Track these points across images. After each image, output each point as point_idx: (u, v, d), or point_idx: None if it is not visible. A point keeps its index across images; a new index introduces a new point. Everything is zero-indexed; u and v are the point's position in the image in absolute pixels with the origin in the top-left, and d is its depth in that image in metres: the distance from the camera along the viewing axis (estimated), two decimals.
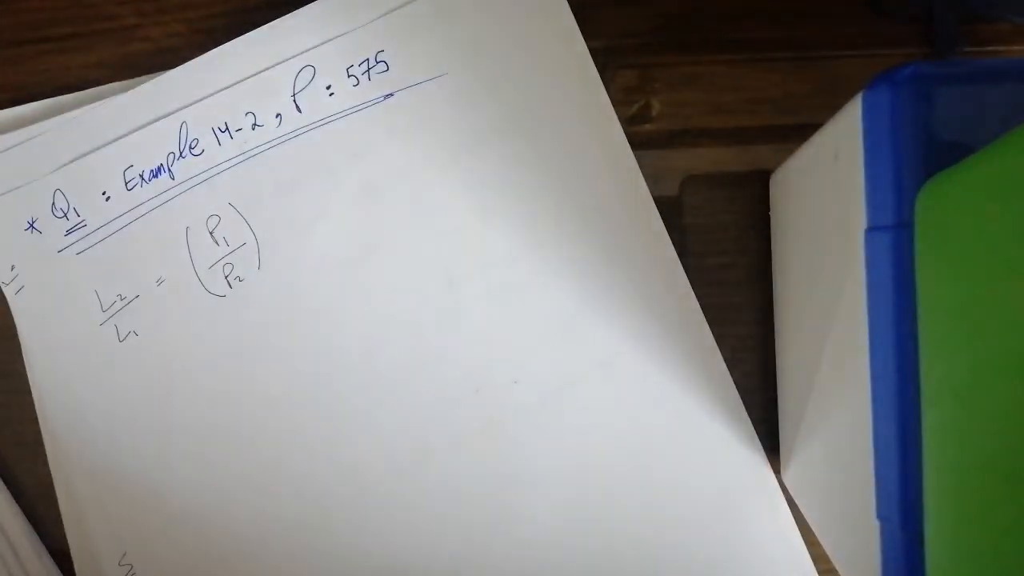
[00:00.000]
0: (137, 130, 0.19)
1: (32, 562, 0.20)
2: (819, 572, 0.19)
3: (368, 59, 0.19)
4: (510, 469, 0.19)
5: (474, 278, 0.19)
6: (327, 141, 0.19)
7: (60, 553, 0.21)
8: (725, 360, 0.19)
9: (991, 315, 0.09)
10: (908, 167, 0.11)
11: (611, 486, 0.19)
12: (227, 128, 0.19)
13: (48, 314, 0.20)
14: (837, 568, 0.15)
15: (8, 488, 0.21)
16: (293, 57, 0.19)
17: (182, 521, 0.20)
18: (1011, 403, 0.09)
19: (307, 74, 0.19)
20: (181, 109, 0.19)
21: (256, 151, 0.20)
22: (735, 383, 0.19)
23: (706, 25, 0.20)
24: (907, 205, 0.11)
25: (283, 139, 0.20)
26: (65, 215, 0.20)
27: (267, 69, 0.19)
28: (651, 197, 0.19)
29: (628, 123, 0.20)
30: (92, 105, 0.20)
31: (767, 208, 0.20)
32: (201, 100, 0.19)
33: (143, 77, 0.20)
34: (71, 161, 0.20)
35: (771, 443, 0.20)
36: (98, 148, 0.20)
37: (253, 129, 0.19)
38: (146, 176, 0.20)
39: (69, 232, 0.20)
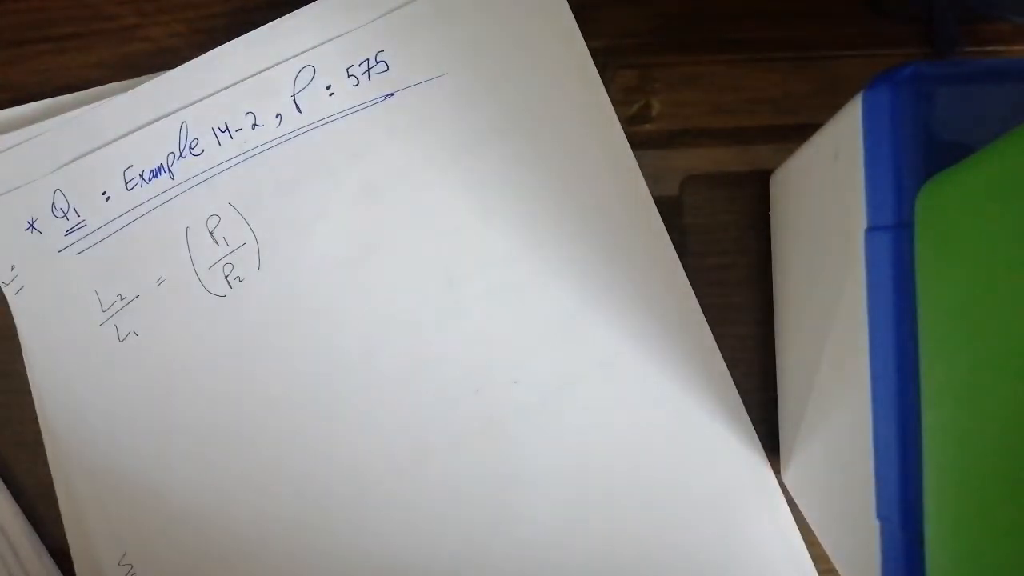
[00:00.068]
0: (137, 130, 0.19)
1: (32, 562, 0.20)
2: (819, 572, 0.19)
3: (368, 59, 0.19)
4: (510, 469, 0.19)
5: (474, 278, 0.19)
6: (327, 141, 0.19)
7: (60, 553, 0.21)
8: (725, 360, 0.19)
9: (991, 315, 0.09)
10: (908, 167, 0.11)
11: (611, 486, 0.19)
12: (227, 128, 0.19)
13: (48, 314, 0.20)
14: (837, 568, 0.15)
15: (8, 488, 0.21)
16: (293, 57, 0.19)
17: (182, 521, 0.20)
18: (1011, 403, 0.09)
19: (307, 74, 0.19)
20: (181, 109, 0.19)
21: (256, 151, 0.20)
22: (735, 383, 0.19)
23: (706, 25, 0.20)
24: (907, 205, 0.11)
25: (283, 139, 0.20)
26: (65, 215, 0.20)
27: (267, 69, 0.19)
28: (651, 197, 0.19)
29: (628, 123, 0.20)
30: (92, 105, 0.20)
31: (767, 208, 0.20)
32: (201, 100, 0.19)
33: (143, 77, 0.20)
34: (71, 161, 0.20)
35: (771, 443, 0.20)
36: (98, 148, 0.20)
37: (253, 129, 0.19)
38: (146, 176, 0.20)
39: (69, 232, 0.20)
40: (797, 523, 0.19)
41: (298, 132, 0.19)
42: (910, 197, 0.11)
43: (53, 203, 0.20)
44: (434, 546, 0.20)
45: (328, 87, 0.19)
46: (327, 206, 0.20)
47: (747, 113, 0.20)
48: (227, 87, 0.19)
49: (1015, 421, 0.09)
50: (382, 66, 0.19)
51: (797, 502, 0.18)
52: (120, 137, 0.20)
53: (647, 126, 0.20)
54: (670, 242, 0.19)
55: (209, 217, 0.20)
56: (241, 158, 0.20)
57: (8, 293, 0.20)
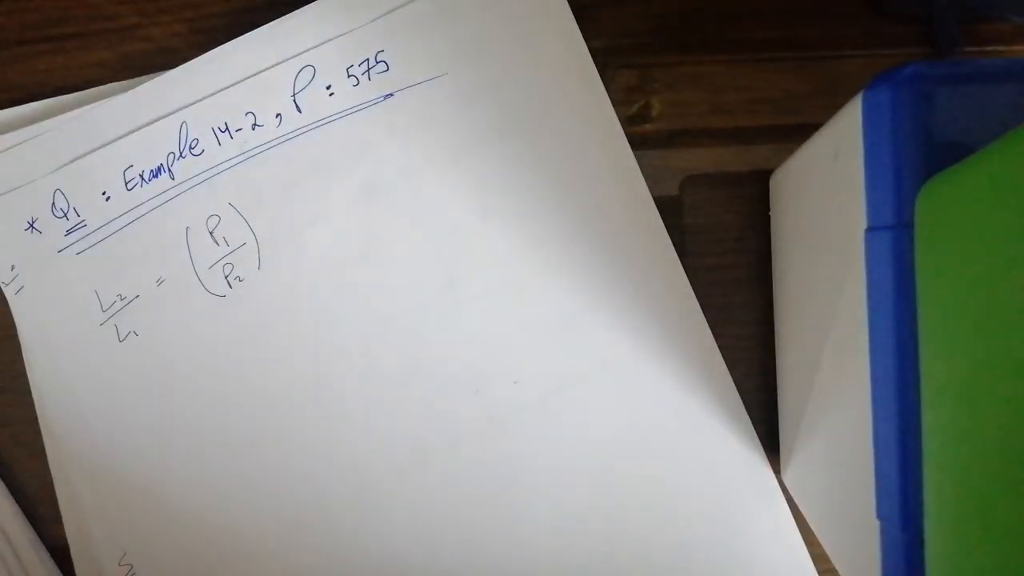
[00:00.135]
0: (137, 130, 0.19)
1: (32, 562, 0.20)
2: (819, 572, 0.19)
3: (368, 59, 0.19)
4: (510, 469, 0.19)
5: (474, 278, 0.19)
6: (327, 141, 0.19)
7: (60, 552, 0.21)
8: (725, 360, 0.19)
9: (991, 315, 0.09)
10: (908, 167, 0.11)
11: (611, 486, 0.19)
12: (227, 128, 0.19)
13: (48, 314, 0.20)
14: (837, 568, 0.15)
15: (8, 488, 0.21)
16: (293, 57, 0.19)
17: (182, 521, 0.20)
18: (1011, 403, 0.09)
19: (307, 74, 0.19)
20: (181, 109, 0.19)
21: (256, 151, 0.20)
22: (735, 383, 0.19)
23: (706, 25, 0.20)
24: (907, 205, 0.11)
25: (283, 139, 0.20)
26: (65, 215, 0.20)
27: (267, 69, 0.19)
28: (651, 197, 0.19)
29: (628, 123, 0.20)
30: (92, 105, 0.20)
31: (767, 208, 0.20)
32: (201, 100, 0.19)
33: (143, 77, 0.20)
34: (71, 161, 0.20)
35: (771, 443, 0.20)
36: (98, 148, 0.20)
37: (253, 129, 0.19)
38: (146, 176, 0.20)
39: (69, 232, 0.20)
40: (797, 523, 0.19)
41: (298, 132, 0.19)
42: (910, 197, 0.11)
43: (53, 203, 0.20)
44: (434, 546, 0.20)
45: (328, 87, 0.19)
46: (327, 206, 0.20)
47: (747, 113, 0.20)
48: (227, 87, 0.19)
49: (1015, 421, 0.09)
50: (382, 66, 0.19)
51: (797, 502, 0.18)
52: (120, 137, 0.20)
53: (647, 126, 0.20)
54: (670, 242, 0.19)
55: (209, 217, 0.20)
56: (241, 158, 0.20)
57: (8, 293, 0.20)
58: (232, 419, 0.20)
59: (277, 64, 0.19)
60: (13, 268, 0.20)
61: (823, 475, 0.16)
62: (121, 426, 0.20)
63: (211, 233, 0.20)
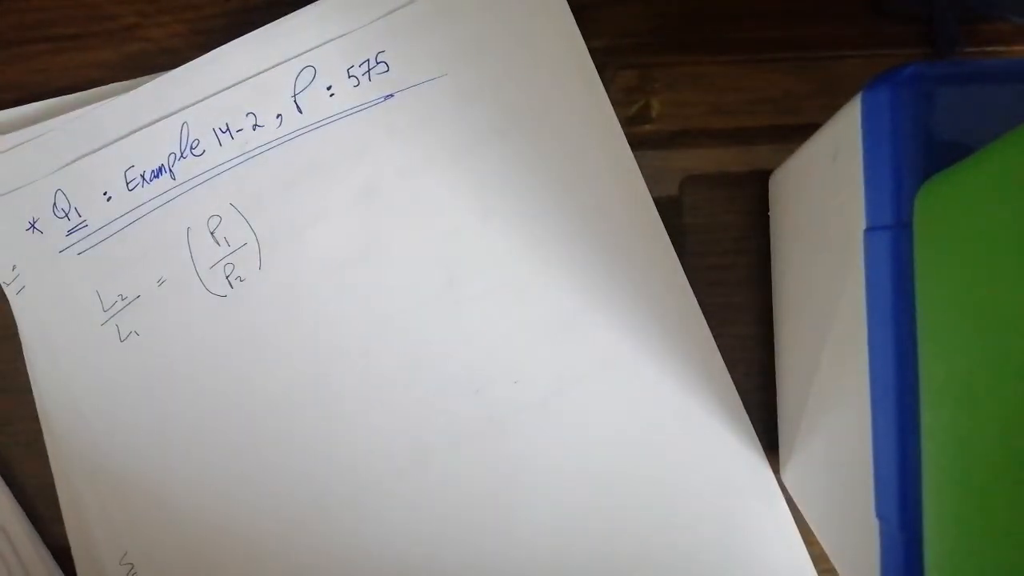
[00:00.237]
0: (138, 130, 0.20)
1: (33, 561, 0.20)
2: (818, 572, 0.19)
3: (369, 59, 0.19)
4: (510, 469, 0.19)
5: (474, 278, 0.19)
6: (328, 142, 0.19)
7: (61, 552, 0.21)
8: (724, 360, 0.19)
9: (990, 315, 0.09)
10: (907, 167, 0.11)
11: (610, 486, 0.19)
12: (228, 128, 0.19)
13: (49, 314, 0.20)
14: (836, 567, 0.15)
15: (9, 487, 0.21)
16: (294, 58, 0.19)
17: (183, 521, 0.20)
18: (1010, 403, 0.09)
19: (308, 75, 0.19)
20: (182, 109, 0.19)
21: (257, 151, 0.20)
22: (734, 383, 0.19)
23: (706, 25, 0.20)
24: (906, 205, 0.11)
25: (284, 139, 0.20)
26: (66, 215, 0.20)
27: (268, 70, 0.19)
28: (651, 197, 0.19)
29: (628, 123, 0.20)
30: (93, 105, 0.20)
31: (767, 208, 0.20)
32: (202, 100, 0.19)
33: (144, 77, 0.20)
34: (72, 161, 0.20)
35: (770, 443, 0.20)
36: (99, 148, 0.20)
37: (254, 129, 0.19)
38: (147, 176, 0.20)
39: (70, 232, 0.20)
40: (796, 523, 0.19)
41: (299, 132, 0.19)
42: (909, 197, 0.11)
43: (54, 203, 0.20)
44: (434, 546, 0.20)
45: (329, 88, 0.19)
46: (328, 206, 0.20)
47: (747, 113, 0.20)
48: (228, 87, 0.19)
49: (1014, 421, 0.09)
50: (382, 66, 0.19)
51: (796, 502, 0.18)
52: (121, 137, 0.20)
53: (647, 126, 0.20)
54: (670, 242, 0.19)
55: (210, 217, 0.20)
56: (242, 158, 0.20)
57: (9, 293, 0.20)
58: (232, 419, 0.20)
59: (278, 65, 0.19)
60: (14, 268, 0.20)
61: (822, 475, 0.16)
62: (122, 426, 0.20)
63: (212, 233, 0.20)
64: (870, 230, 0.12)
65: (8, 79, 0.21)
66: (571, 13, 0.19)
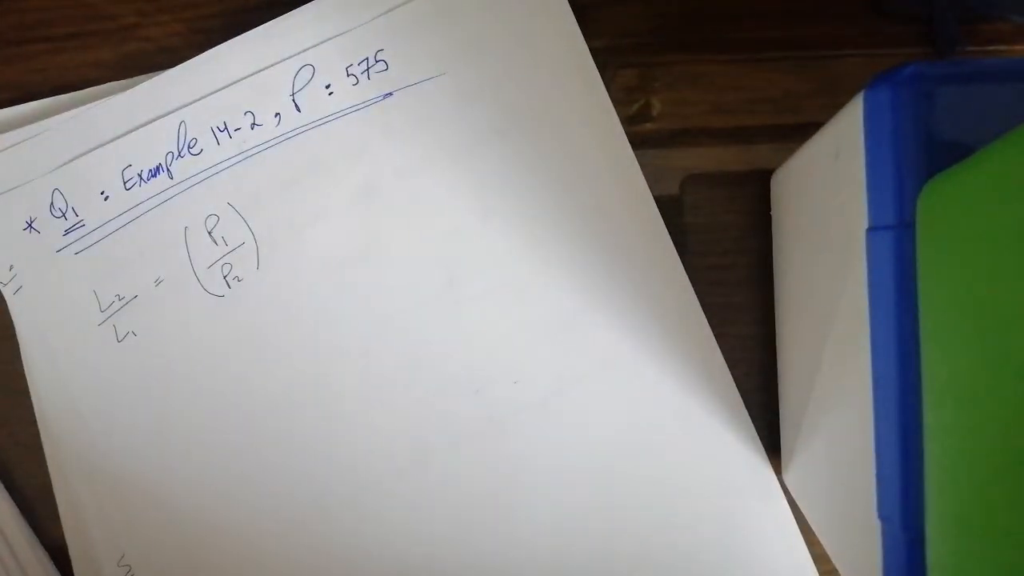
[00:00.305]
0: (135, 129, 0.19)
1: (30, 562, 0.20)
2: (820, 573, 0.19)
3: (367, 58, 0.19)
4: (510, 469, 0.19)
5: (474, 278, 0.19)
6: (326, 140, 0.19)
7: (59, 553, 0.21)
8: (726, 360, 0.19)
9: (993, 315, 0.09)
10: (909, 167, 0.11)
11: (611, 486, 0.19)
12: (226, 127, 0.19)
13: (46, 314, 0.20)
14: (838, 568, 0.15)
15: (6, 488, 0.21)
16: (292, 56, 0.19)
17: (181, 521, 0.20)
18: (1013, 403, 0.09)
19: (306, 73, 0.19)
20: (180, 108, 0.19)
21: (255, 151, 0.20)
22: (736, 383, 0.19)
23: (706, 24, 0.20)
24: (908, 205, 0.11)
25: (282, 138, 0.19)
26: (63, 215, 0.20)
27: (266, 68, 0.19)
28: (651, 196, 0.19)
29: (628, 122, 0.20)
30: (91, 105, 0.20)
31: (768, 208, 0.20)
32: (200, 99, 0.19)
33: (142, 76, 0.20)
34: (69, 161, 0.20)
35: (772, 443, 0.20)
36: (96, 147, 0.20)
37: (252, 128, 0.19)
38: (144, 176, 0.20)
39: (67, 232, 0.20)
40: (798, 523, 0.19)
41: (297, 131, 0.19)
42: (911, 197, 0.11)
43: (51, 203, 0.20)
44: (434, 546, 0.20)
45: (327, 86, 0.19)
46: (326, 206, 0.20)
47: (747, 112, 0.20)
48: (226, 86, 0.19)
49: (1016, 421, 0.09)
50: (381, 65, 0.19)
51: (798, 502, 0.18)
52: (118, 136, 0.19)
53: (647, 125, 0.20)
54: (670, 241, 0.19)
55: (208, 217, 0.20)
56: (240, 157, 0.20)
57: (6, 293, 0.20)
58: (231, 419, 0.20)
59: (276, 63, 0.19)
60: (11, 268, 0.20)
61: (824, 475, 0.16)
62: (120, 426, 0.20)
63: (210, 233, 0.20)
64: (872, 230, 0.12)
65: (7, 79, 0.21)
66: (571, 12, 0.19)
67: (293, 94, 0.19)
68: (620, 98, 0.20)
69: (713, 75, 0.20)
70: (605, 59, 0.19)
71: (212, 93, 0.19)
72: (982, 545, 0.10)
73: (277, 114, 0.19)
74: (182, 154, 0.19)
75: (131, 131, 0.19)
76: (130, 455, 0.20)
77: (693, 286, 0.19)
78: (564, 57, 0.19)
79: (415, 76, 0.19)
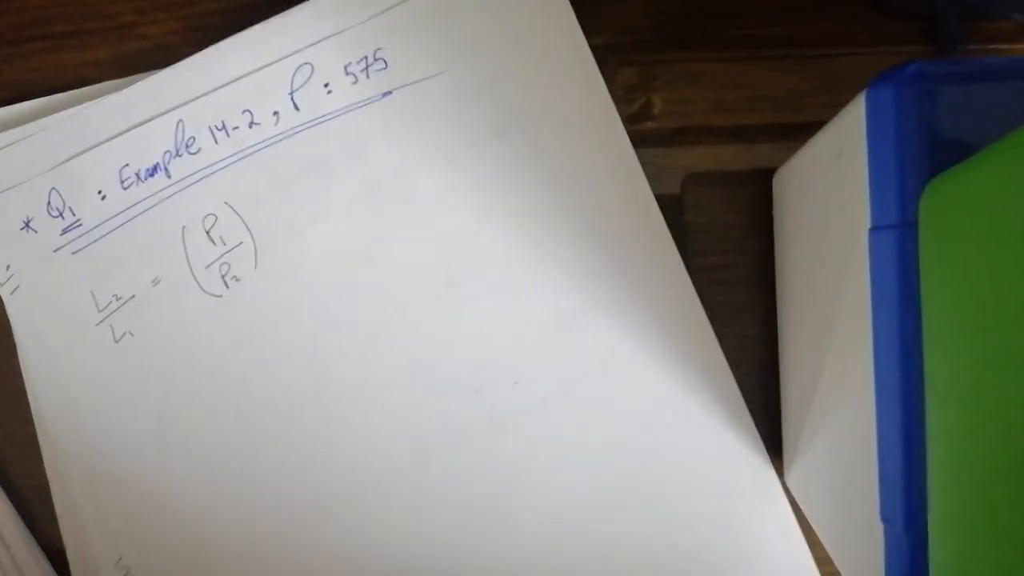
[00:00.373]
0: (133, 128, 0.19)
1: (27, 563, 0.20)
2: (822, 574, 0.19)
3: (367, 57, 0.19)
4: (510, 469, 0.19)
5: (474, 278, 0.19)
6: (325, 139, 0.19)
7: (56, 554, 0.20)
8: (727, 360, 0.19)
9: (996, 314, 0.09)
10: (912, 166, 0.11)
11: (612, 486, 0.19)
12: (224, 126, 0.19)
13: (44, 314, 0.20)
14: (840, 570, 0.15)
15: (4, 489, 0.21)
16: (291, 55, 0.19)
17: (180, 522, 0.20)
18: (1016, 404, 0.09)
19: (305, 72, 0.19)
20: (177, 107, 0.19)
21: (253, 149, 0.19)
22: (737, 383, 0.19)
23: (707, 22, 0.20)
24: (911, 204, 0.11)
25: (281, 137, 0.19)
26: (60, 214, 0.20)
27: (264, 67, 0.19)
28: (652, 195, 0.19)
29: (629, 121, 0.19)
30: (88, 103, 0.19)
31: (769, 207, 0.20)
32: (198, 98, 0.19)
33: (139, 75, 0.20)
34: (66, 160, 0.19)
35: (774, 444, 0.19)
36: (94, 147, 0.19)
37: (250, 127, 0.19)
38: (142, 175, 0.19)
39: (65, 231, 0.20)
40: (800, 525, 0.19)
41: (296, 130, 0.19)
42: (914, 196, 0.11)
43: (48, 202, 0.20)
44: (434, 546, 0.20)
45: (326, 85, 0.19)
46: (326, 205, 0.19)
47: (749, 111, 0.20)
48: (224, 85, 0.19)
49: (1020, 422, 0.09)
50: (380, 64, 0.19)
51: (800, 503, 0.18)
52: (116, 135, 0.19)
53: (648, 124, 0.20)
54: (671, 241, 0.19)
55: (206, 216, 0.20)
56: (238, 156, 0.19)
57: (3, 293, 0.20)
58: (230, 420, 0.20)
59: (274, 62, 0.19)
60: (8, 268, 0.20)
61: (826, 476, 0.16)
62: (117, 426, 0.20)
63: (208, 232, 0.20)
64: (875, 229, 0.12)
65: (4, 77, 0.20)
66: (571, 10, 0.19)
67: (292, 93, 0.19)
68: (621, 96, 0.19)
69: (714, 73, 0.20)
70: (605, 57, 0.19)
71: (210, 92, 0.19)
72: (985, 546, 0.10)
73: (275, 113, 0.19)
74: (180, 153, 0.19)
75: (128, 130, 0.19)
76: (128, 455, 0.20)
77: (694, 286, 0.19)
78: (564, 55, 0.19)
79: (415, 75, 0.19)
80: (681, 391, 0.19)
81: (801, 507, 0.18)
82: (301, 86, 0.19)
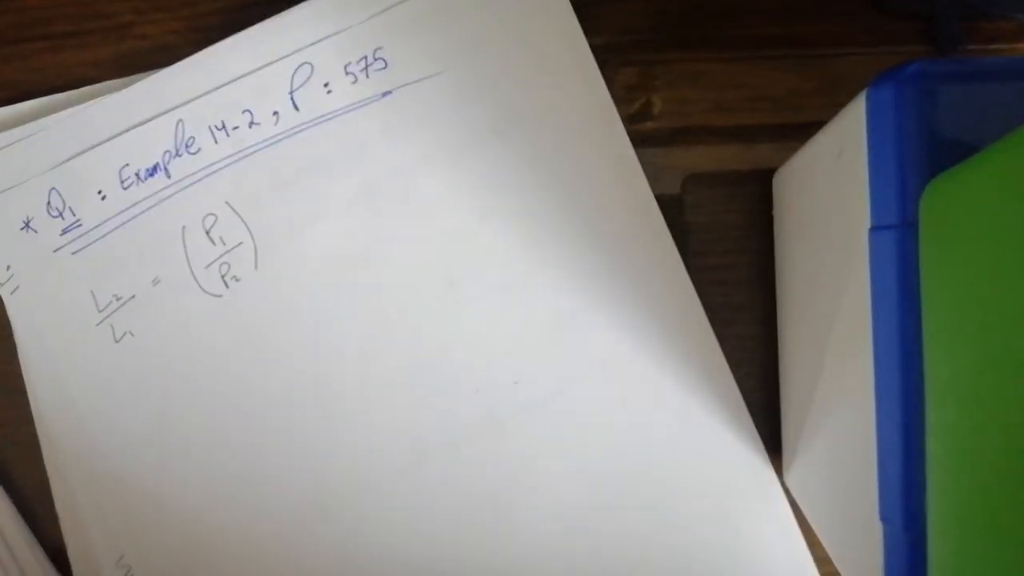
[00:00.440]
0: (133, 128, 0.19)
1: (29, 563, 0.20)
2: (821, 574, 0.19)
3: (366, 56, 0.19)
4: (510, 469, 0.19)
5: (474, 278, 0.19)
6: (325, 139, 0.19)
7: (57, 553, 0.20)
8: (727, 360, 0.19)
9: (996, 315, 0.09)
10: (912, 166, 0.11)
11: (612, 486, 0.19)
12: (224, 126, 0.19)
13: (44, 314, 0.20)
14: (839, 569, 0.15)
15: (5, 488, 0.21)
16: (290, 54, 0.19)
17: (180, 522, 0.20)
18: (1015, 404, 0.09)
19: (305, 71, 0.19)
20: (177, 107, 0.19)
21: (253, 149, 0.19)
22: (737, 383, 0.19)
23: (707, 22, 0.20)
24: (911, 204, 0.11)
25: (280, 137, 0.19)
26: (60, 214, 0.20)
27: (264, 67, 0.19)
28: (652, 195, 0.19)
29: (629, 121, 0.19)
30: (87, 103, 0.19)
31: (769, 207, 0.20)
32: (197, 98, 0.19)
33: (139, 75, 0.20)
34: (66, 160, 0.19)
35: (773, 444, 0.19)
36: (93, 147, 0.19)
37: (250, 127, 0.19)
38: (142, 175, 0.19)
39: (64, 231, 0.20)
40: (799, 524, 0.19)
41: (296, 130, 0.19)
42: (914, 196, 0.11)
43: (48, 202, 0.20)
44: (433, 546, 0.20)
45: (326, 84, 0.19)
46: (326, 205, 0.19)
47: (749, 111, 0.20)
48: (224, 84, 0.19)
49: (1019, 421, 0.09)
50: (380, 63, 0.19)
51: (799, 503, 0.18)
52: (116, 135, 0.19)
53: (648, 124, 0.20)
54: (671, 241, 0.19)
55: (206, 216, 0.20)
56: (238, 156, 0.19)
57: (3, 293, 0.20)
58: (230, 419, 0.20)
59: (274, 61, 0.19)
60: (8, 268, 0.20)
61: (826, 476, 0.16)
62: (118, 426, 0.20)
63: (207, 232, 0.20)
64: (875, 229, 0.12)
65: (4, 77, 0.20)
66: (572, 10, 0.19)
67: (291, 92, 0.19)
68: (621, 96, 0.19)
69: (714, 73, 0.20)
70: (605, 57, 0.19)
71: (210, 91, 0.19)
72: (984, 546, 0.10)
73: (275, 112, 0.19)
74: (180, 153, 0.19)
75: (128, 130, 0.19)
76: (128, 455, 0.20)
77: (694, 286, 0.19)
78: (564, 55, 0.19)
79: (414, 74, 0.19)
80: (681, 391, 0.19)
81: (800, 507, 0.18)
82: (301, 86, 0.19)
